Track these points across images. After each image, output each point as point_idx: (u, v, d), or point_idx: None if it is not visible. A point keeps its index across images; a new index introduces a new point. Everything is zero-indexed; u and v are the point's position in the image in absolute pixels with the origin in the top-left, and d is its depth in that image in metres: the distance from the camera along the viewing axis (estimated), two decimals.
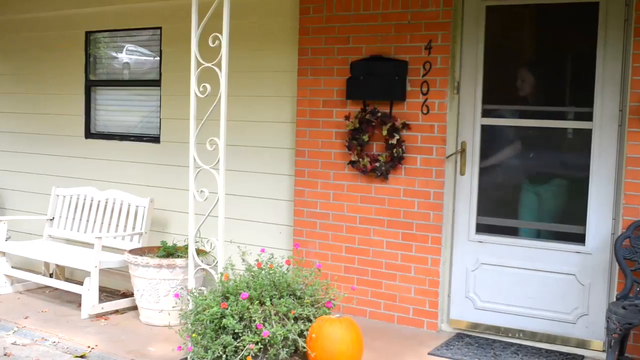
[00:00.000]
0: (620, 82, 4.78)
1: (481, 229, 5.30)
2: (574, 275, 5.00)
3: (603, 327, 4.71)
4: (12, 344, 5.18)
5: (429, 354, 4.92)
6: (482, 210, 5.30)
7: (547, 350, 4.97)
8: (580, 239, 4.99)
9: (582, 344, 4.98)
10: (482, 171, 5.29)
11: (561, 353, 4.93)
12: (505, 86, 5.30)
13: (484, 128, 5.24)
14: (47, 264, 6.67)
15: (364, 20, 5.47)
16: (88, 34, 7.10)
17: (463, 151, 5.24)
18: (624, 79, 4.75)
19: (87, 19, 7.04)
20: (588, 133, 4.91)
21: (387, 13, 5.38)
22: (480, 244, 5.28)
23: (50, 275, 6.61)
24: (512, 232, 5.27)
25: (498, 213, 5.33)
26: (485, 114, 5.24)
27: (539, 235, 5.22)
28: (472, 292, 5.33)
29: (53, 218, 6.86)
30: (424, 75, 5.26)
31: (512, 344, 5.07)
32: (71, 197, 6.81)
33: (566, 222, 5.14)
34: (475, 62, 5.22)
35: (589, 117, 4.90)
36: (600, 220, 4.89)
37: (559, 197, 5.27)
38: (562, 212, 5.26)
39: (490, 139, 5.27)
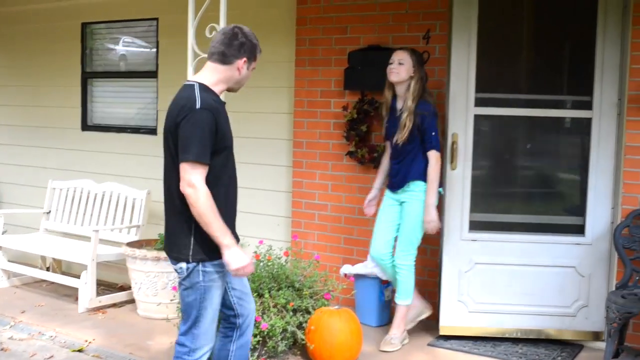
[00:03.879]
0: (619, 70, 4.74)
1: (474, 226, 4.98)
2: (573, 267, 4.87)
3: (603, 317, 4.70)
4: (9, 338, 5.16)
5: (428, 344, 4.91)
6: (475, 206, 4.98)
7: (545, 340, 4.94)
8: (579, 230, 4.89)
9: (581, 335, 4.92)
10: (475, 165, 4.96)
11: (560, 342, 4.91)
12: (500, 75, 5.13)
13: (477, 118, 4.89)
14: (43, 258, 6.63)
15: (361, 10, 5.43)
16: (84, 25, 7.05)
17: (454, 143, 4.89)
18: (623, 67, 4.71)
19: (83, 10, 6.99)
20: (587, 122, 4.82)
21: (385, 2, 5.34)
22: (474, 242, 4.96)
23: (47, 269, 6.57)
24: (507, 227, 5.04)
25: (493, 209, 5.14)
26: (479, 103, 4.88)
27: (538, 229, 5.03)
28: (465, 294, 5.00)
29: (50, 211, 6.83)
30: None
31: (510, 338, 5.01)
32: (68, 190, 6.78)
33: (565, 214, 5.06)
34: (467, 50, 4.87)
35: (588, 105, 4.82)
36: (600, 209, 4.83)
37: (557, 188, 5.21)
38: (561, 204, 5.19)
39: (484, 130, 5.06)
